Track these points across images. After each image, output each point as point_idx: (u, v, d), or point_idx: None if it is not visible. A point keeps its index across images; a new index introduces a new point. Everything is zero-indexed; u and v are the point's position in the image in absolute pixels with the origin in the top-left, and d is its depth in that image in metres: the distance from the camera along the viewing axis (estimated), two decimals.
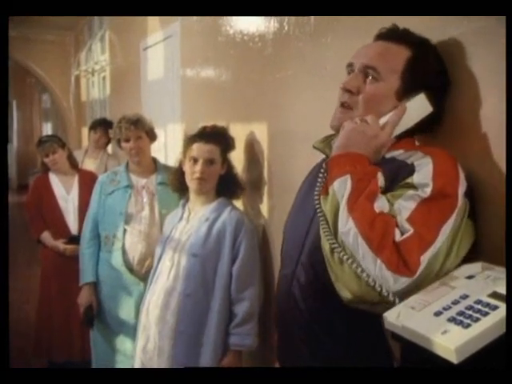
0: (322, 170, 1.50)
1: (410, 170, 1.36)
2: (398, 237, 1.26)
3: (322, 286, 1.44)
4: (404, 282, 1.23)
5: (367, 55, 1.52)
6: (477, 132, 1.46)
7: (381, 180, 1.37)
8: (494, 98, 1.40)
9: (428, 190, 1.30)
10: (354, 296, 1.30)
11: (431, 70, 1.49)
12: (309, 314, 1.54)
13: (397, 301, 1.23)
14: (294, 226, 1.67)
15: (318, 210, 1.42)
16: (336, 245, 1.33)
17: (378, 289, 1.25)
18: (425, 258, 1.25)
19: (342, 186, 1.36)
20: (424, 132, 1.57)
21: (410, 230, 1.26)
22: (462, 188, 1.32)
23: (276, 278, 2.63)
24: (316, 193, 1.47)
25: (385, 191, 1.37)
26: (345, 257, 1.30)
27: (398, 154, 1.46)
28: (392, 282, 1.24)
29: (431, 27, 1.58)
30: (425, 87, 1.47)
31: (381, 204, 1.32)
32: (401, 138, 1.50)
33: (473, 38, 1.47)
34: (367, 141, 1.42)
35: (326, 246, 1.36)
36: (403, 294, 1.23)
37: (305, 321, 1.55)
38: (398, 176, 1.37)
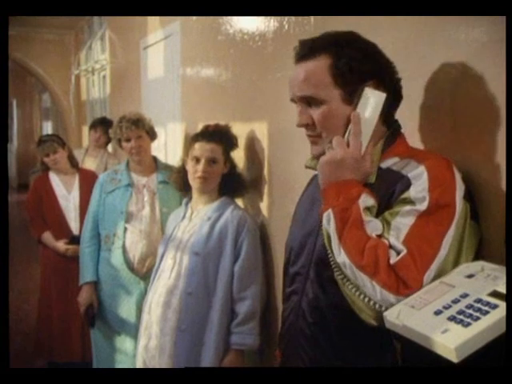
0: None
1: (406, 183, 1.34)
2: (393, 258, 1.26)
3: (329, 299, 1.44)
4: None
5: (296, 86, 1.49)
6: (478, 132, 1.46)
7: (367, 200, 1.35)
8: (495, 98, 1.40)
9: (425, 203, 1.29)
10: (376, 321, 1.29)
11: (359, 60, 1.43)
12: (315, 327, 1.53)
13: None
14: (300, 242, 1.64)
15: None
16: (342, 276, 1.33)
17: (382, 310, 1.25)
18: (431, 273, 1.25)
19: (327, 221, 1.36)
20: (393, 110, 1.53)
21: (404, 251, 1.26)
22: (459, 193, 1.31)
23: (277, 277, 2.65)
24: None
25: (384, 208, 1.36)
26: (350, 286, 1.31)
27: (393, 162, 1.44)
28: (396, 304, 1.23)
29: (433, 29, 1.58)
30: (366, 77, 1.43)
31: (372, 227, 1.32)
32: (392, 142, 1.48)
33: (474, 38, 1.47)
34: (338, 165, 1.38)
35: (336, 277, 1.36)
36: None
37: (311, 334, 1.54)
38: (395, 191, 1.36)
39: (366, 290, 1.27)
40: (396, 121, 1.53)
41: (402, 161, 1.42)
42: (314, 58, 1.46)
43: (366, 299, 1.27)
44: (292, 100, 1.55)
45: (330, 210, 1.35)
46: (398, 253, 1.26)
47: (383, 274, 1.24)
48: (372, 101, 1.42)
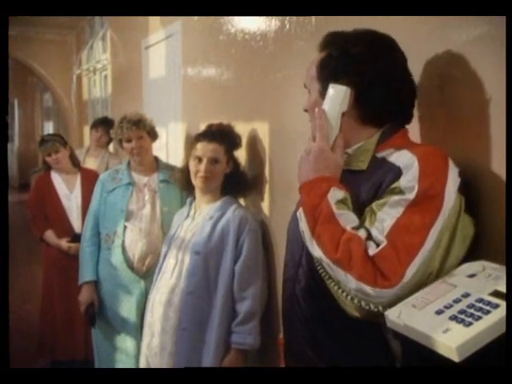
0: None
1: (397, 173, 1.35)
2: (372, 250, 1.27)
3: (320, 287, 1.45)
4: (387, 293, 1.24)
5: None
6: (478, 132, 1.46)
7: (336, 194, 1.37)
8: (495, 98, 1.40)
9: (414, 193, 1.29)
10: (359, 313, 1.32)
11: (337, 59, 1.50)
12: (310, 314, 1.55)
13: None
14: (295, 228, 1.65)
15: None
16: (324, 273, 1.38)
17: (366, 307, 1.27)
18: (414, 264, 1.24)
19: (300, 219, 1.42)
20: (397, 115, 1.53)
21: (384, 242, 1.26)
22: (451, 185, 1.31)
23: (278, 276, 2.65)
24: None
25: (373, 198, 1.37)
26: (332, 284, 1.35)
27: (388, 153, 1.44)
28: (374, 295, 1.25)
29: (433, 29, 1.58)
30: (339, 76, 1.48)
31: (346, 219, 1.34)
32: (390, 134, 1.49)
33: (474, 38, 1.47)
34: (307, 159, 1.45)
35: (321, 274, 1.40)
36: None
37: (307, 321, 1.56)
38: (385, 180, 1.37)
39: (344, 284, 1.30)
40: (396, 117, 1.52)
41: (397, 151, 1.42)
42: (321, 51, 1.57)
43: (349, 297, 1.31)
44: None
45: (301, 209, 1.42)
46: (379, 244, 1.27)
47: (358, 267, 1.25)
48: (336, 95, 1.47)
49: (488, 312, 1.06)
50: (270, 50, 2.70)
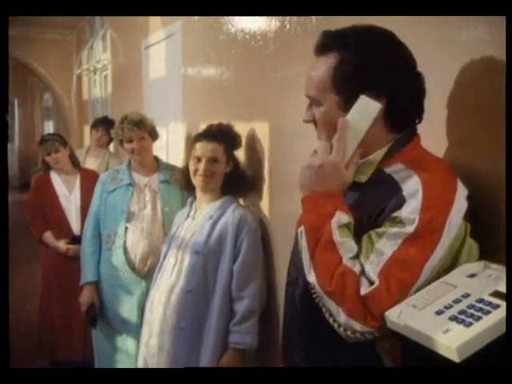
0: None
1: (401, 201, 1.27)
2: (364, 288, 1.24)
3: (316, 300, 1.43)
4: (375, 330, 1.24)
5: (306, 84, 1.44)
6: (477, 132, 1.46)
7: (341, 219, 1.31)
8: (494, 98, 1.40)
9: (414, 226, 1.23)
10: (349, 340, 1.31)
11: (363, 68, 1.34)
12: (306, 318, 1.53)
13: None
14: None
15: None
16: (316, 295, 1.35)
17: (361, 337, 1.26)
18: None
19: (300, 236, 1.37)
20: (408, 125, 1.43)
21: (376, 283, 1.23)
22: (455, 214, 1.25)
23: (277, 276, 2.65)
24: None
25: (374, 220, 1.32)
26: (323, 309, 1.33)
27: (397, 169, 1.35)
28: (362, 332, 1.25)
29: (433, 29, 1.58)
30: (366, 87, 1.34)
31: (346, 248, 1.30)
32: (401, 146, 1.40)
33: (474, 38, 1.47)
34: (316, 172, 1.36)
35: (313, 295, 1.38)
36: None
37: (303, 324, 1.55)
38: (388, 205, 1.29)
39: (334, 314, 1.29)
40: (410, 126, 1.44)
41: (406, 170, 1.33)
42: (325, 54, 1.40)
43: (341, 328, 1.29)
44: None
45: (302, 227, 1.36)
46: (371, 282, 1.25)
47: (349, 304, 1.24)
48: (365, 110, 1.35)
49: (488, 312, 1.06)
50: (270, 50, 2.70)
